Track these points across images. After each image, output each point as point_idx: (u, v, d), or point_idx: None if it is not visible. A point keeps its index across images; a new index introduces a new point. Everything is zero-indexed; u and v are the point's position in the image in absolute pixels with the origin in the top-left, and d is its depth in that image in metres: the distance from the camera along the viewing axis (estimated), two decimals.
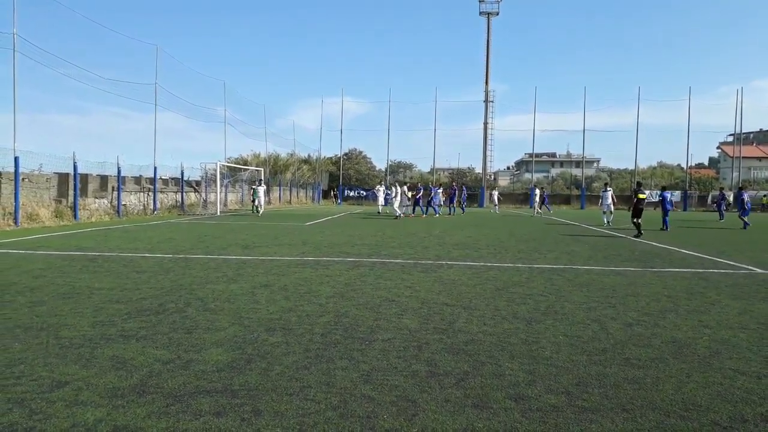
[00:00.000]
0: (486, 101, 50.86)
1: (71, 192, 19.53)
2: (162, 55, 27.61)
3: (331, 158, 59.37)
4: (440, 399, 3.30)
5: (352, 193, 53.02)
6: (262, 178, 30.85)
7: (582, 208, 46.81)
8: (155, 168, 25.51)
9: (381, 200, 30.35)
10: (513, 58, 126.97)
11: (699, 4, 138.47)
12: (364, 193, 51.44)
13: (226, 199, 31.94)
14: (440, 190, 31.62)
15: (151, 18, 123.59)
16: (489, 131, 50.92)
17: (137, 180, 25.09)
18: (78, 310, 5.44)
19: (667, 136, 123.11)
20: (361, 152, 64.27)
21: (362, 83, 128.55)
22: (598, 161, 76.66)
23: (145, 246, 11.48)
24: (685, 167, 52.08)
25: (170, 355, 4.06)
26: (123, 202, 22.80)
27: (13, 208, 16.44)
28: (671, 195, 20.39)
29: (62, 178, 19.99)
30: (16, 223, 16.18)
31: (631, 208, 16.67)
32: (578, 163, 63.87)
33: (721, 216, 26.60)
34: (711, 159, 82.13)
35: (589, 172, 64.64)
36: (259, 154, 46.16)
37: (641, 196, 16.57)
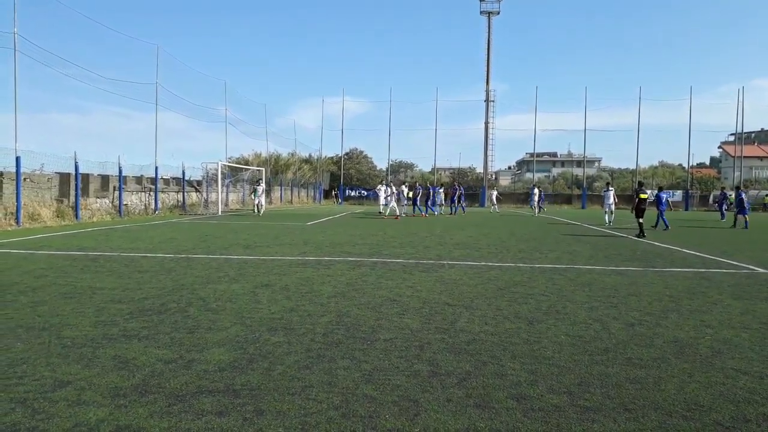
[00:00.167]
0: (487, 101, 50.88)
1: (72, 192, 19.54)
2: (162, 54, 27.61)
3: (332, 158, 59.37)
4: (442, 399, 3.30)
5: (353, 193, 52.98)
6: (263, 177, 30.84)
7: (583, 207, 46.77)
8: (156, 168, 25.54)
9: (382, 200, 30.36)
10: (514, 57, 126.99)
11: (699, 4, 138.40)
12: (365, 193, 51.43)
13: (227, 199, 31.97)
14: (441, 190, 31.64)
15: (151, 18, 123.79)
16: (490, 131, 50.94)
17: (138, 180, 25.11)
18: (80, 310, 5.44)
19: (668, 136, 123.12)
20: (362, 152, 64.31)
21: (363, 83, 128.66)
22: (600, 161, 76.61)
23: (146, 246, 11.49)
24: (686, 167, 52.00)
25: (172, 354, 4.06)
26: (124, 202, 22.82)
27: (15, 208, 16.47)
28: (667, 195, 20.39)
29: (63, 177, 20.01)
30: (17, 222, 16.21)
31: (633, 209, 16.71)
32: (579, 163, 63.77)
33: (723, 216, 26.59)
34: (712, 158, 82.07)
35: (591, 171, 64.55)
36: (260, 154, 46.21)
37: (643, 196, 16.59)
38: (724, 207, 27.20)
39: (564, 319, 5.42)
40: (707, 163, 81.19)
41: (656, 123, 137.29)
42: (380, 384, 3.53)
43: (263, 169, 35.80)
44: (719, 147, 74.14)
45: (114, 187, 22.74)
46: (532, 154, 57.62)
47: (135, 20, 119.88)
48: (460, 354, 4.21)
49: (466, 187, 38.43)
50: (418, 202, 27.80)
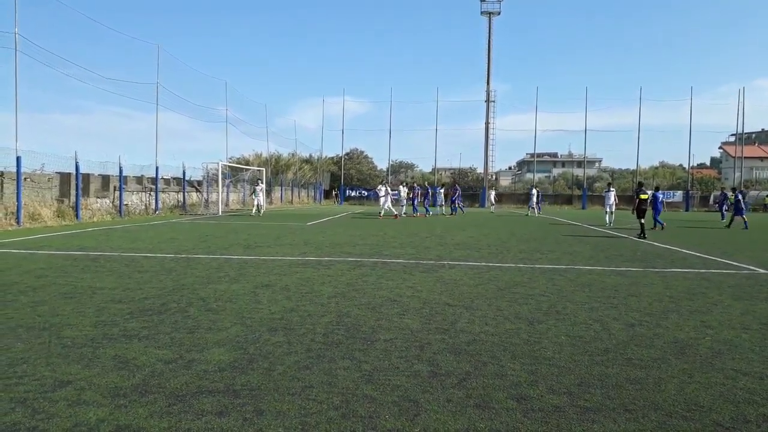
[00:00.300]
0: (487, 101, 50.84)
1: (73, 192, 19.55)
2: (163, 54, 27.64)
3: (332, 158, 59.37)
4: (442, 399, 3.30)
5: (353, 193, 52.99)
6: (262, 177, 30.84)
7: (583, 208, 46.74)
8: (157, 168, 25.55)
9: (382, 200, 30.35)
10: (514, 57, 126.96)
11: (699, 4, 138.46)
12: (366, 193, 51.43)
13: (227, 199, 31.96)
14: (441, 190, 31.63)
15: (151, 18, 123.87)
16: (490, 131, 50.91)
17: (139, 180, 25.12)
18: (80, 310, 5.45)
19: (668, 136, 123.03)
20: (362, 152, 64.30)
21: (363, 83, 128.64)
22: (600, 161, 76.60)
23: (146, 246, 11.49)
24: (687, 167, 51.99)
25: (172, 354, 4.06)
26: (125, 202, 22.83)
27: (15, 208, 16.47)
28: (663, 196, 20.48)
29: (64, 177, 20.02)
30: (18, 222, 16.22)
31: (634, 209, 16.74)
32: (580, 163, 63.71)
33: (723, 216, 26.57)
34: (713, 159, 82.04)
35: (591, 172, 64.59)
36: (260, 154, 46.21)
37: (643, 196, 16.61)
38: (725, 208, 27.20)
39: (564, 319, 5.42)
40: (708, 163, 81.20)
41: (657, 123, 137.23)
42: (380, 384, 3.53)
43: (263, 169, 35.81)
44: (720, 147, 74.12)
45: (114, 187, 22.75)
46: (532, 155, 57.65)
47: (135, 20, 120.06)
48: (461, 354, 4.21)
49: (463, 188, 38.36)
50: (416, 203, 27.80)
